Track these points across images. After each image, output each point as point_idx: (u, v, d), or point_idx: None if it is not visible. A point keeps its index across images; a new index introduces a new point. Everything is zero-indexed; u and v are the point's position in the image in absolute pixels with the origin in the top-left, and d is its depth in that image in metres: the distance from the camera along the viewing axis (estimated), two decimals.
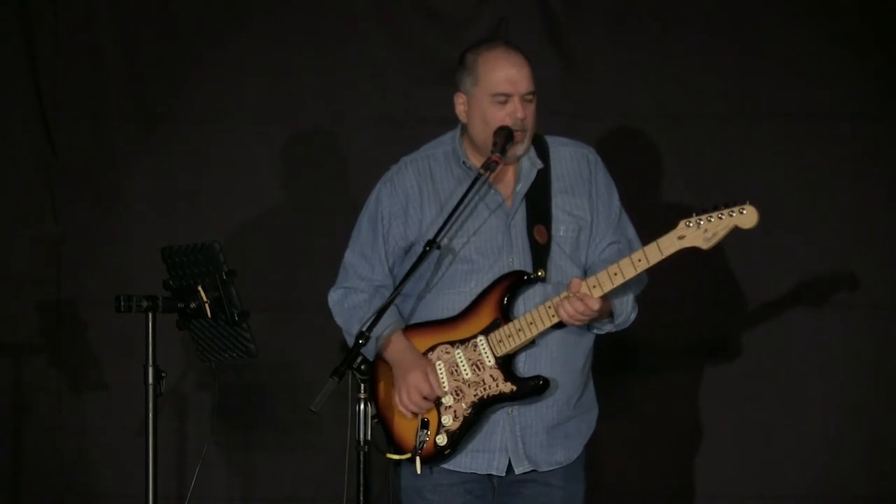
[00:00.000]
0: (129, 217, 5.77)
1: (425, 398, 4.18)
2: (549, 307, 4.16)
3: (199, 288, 4.37)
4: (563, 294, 4.15)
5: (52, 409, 5.77)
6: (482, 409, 4.21)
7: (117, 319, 4.57)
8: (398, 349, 4.23)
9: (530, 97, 4.22)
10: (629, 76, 5.63)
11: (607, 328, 4.32)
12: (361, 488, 4.07)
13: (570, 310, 4.12)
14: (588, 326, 4.29)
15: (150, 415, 4.34)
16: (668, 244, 4.12)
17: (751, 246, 5.28)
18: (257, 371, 5.63)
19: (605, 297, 4.16)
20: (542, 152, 4.33)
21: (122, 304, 4.35)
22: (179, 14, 5.76)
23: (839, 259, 5.55)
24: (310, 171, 5.75)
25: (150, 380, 4.35)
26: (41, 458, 5.77)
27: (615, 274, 4.13)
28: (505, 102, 4.20)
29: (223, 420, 5.53)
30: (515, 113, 4.19)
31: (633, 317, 4.32)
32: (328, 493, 5.36)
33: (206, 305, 4.37)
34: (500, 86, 4.20)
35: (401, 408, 4.20)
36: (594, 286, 4.14)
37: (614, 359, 5.44)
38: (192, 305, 4.39)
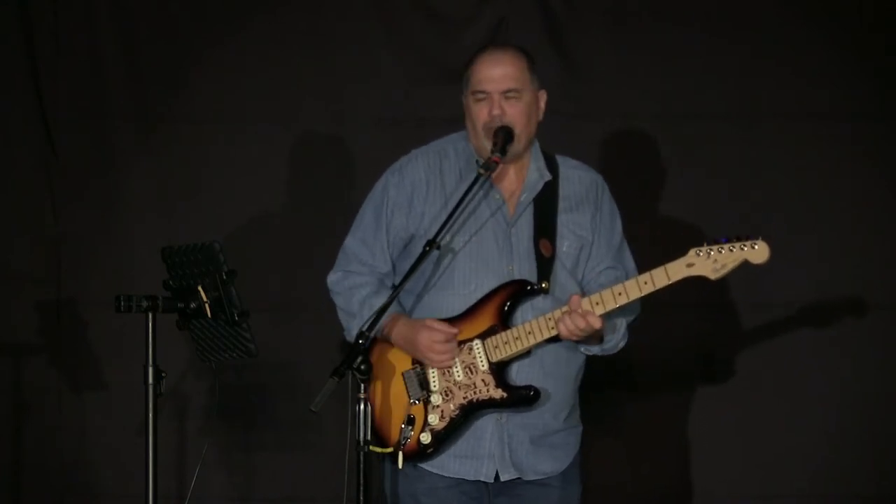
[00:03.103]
0: (129, 217, 5.77)
1: (447, 342, 4.18)
2: (550, 319, 4.17)
3: (199, 288, 4.36)
4: (564, 308, 4.15)
5: (52, 409, 5.77)
6: (470, 412, 4.22)
7: (117, 319, 4.56)
8: (399, 325, 4.25)
9: (512, 94, 4.24)
10: (629, 76, 5.63)
11: (594, 350, 4.33)
12: (361, 488, 4.06)
13: (571, 325, 4.13)
14: (586, 346, 4.31)
15: (150, 415, 4.34)
16: (677, 270, 4.14)
17: None
18: (257, 371, 5.63)
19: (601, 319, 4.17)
20: (552, 167, 4.35)
21: (122, 304, 4.35)
22: (179, 14, 5.77)
23: (839, 259, 5.56)
24: (310, 171, 5.75)
25: (150, 380, 4.34)
26: (41, 458, 5.76)
27: (619, 294, 4.14)
28: (484, 100, 4.23)
29: (223, 420, 5.53)
30: (492, 110, 4.22)
31: (622, 344, 4.34)
32: (328, 493, 5.35)
33: (206, 305, 4.36)
34: (478, 84, 4.25)
35: (437, 364, 4.19)
36: (597, 303, 4.15)
37: (614, 360, 5.45)
38: (192, 305, 4.38)
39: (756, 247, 4.11)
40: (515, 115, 4.24)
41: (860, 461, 5.56)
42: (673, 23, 5.62)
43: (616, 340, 4.32)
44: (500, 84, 4.24)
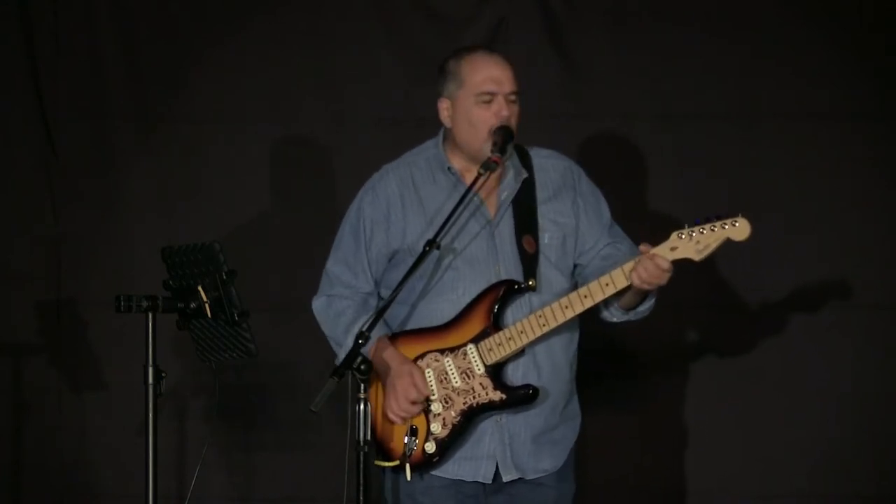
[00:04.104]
0: (129, 217, 5.78)
1: (413, 403, 4.18)
2: (540, 316, 4.17)
3: (199, 288, 4.36)
4: (636, 258, 4.11)
5: (52, 409, 5.77)
6: (471, 417, 4.21)
7: (117, 319, 4.56)
8: (383, 356, 4.23)
9: (514, 97, 4.23)
10: (629, 76, 5.63)
11: (628, 316, 4.30)
12: (361, 488, 4.06)
13: (644, 273, 4.09)
14: (610, 313, 4.29)
15: (150, 415, 4.34)
16: (661, 255, 4.12)
17: (750, 246, 5.26)
18: (257, 371, 5.63)
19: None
20: (526, 162, 4.34)
21: (122, 304, 4.35)
22: (179, 14, 5.77)
23: (839, 259, 5.55)
24: (309, 171, 5.75)
25: (150, 380, 4.34)
26: (41, 458, 5.76)
27: (607, 284, 4.14)
28: (490, 102, 4.21)
29: (223, 420, 5.52)
30: (501, 112, 4.19)
31: (653, 303, 4.32)
32: (328, 493, 5.35)
33: (206, 305, 4.36)
34: (484, 85, 4.21)
35: (390, 415, 4.20)
36: (585, 296, 4.14)
37: (614, 358, 5.45)
38: (192, 305, 4.38)
39: (737, 224, 4.10)
40: (515, 119, 4.24)
41: (860, 460, 5.55)
42: (673, 23, 5.62)
43: (650, 303, 4.30)
44: (508, 85, 4.22)
